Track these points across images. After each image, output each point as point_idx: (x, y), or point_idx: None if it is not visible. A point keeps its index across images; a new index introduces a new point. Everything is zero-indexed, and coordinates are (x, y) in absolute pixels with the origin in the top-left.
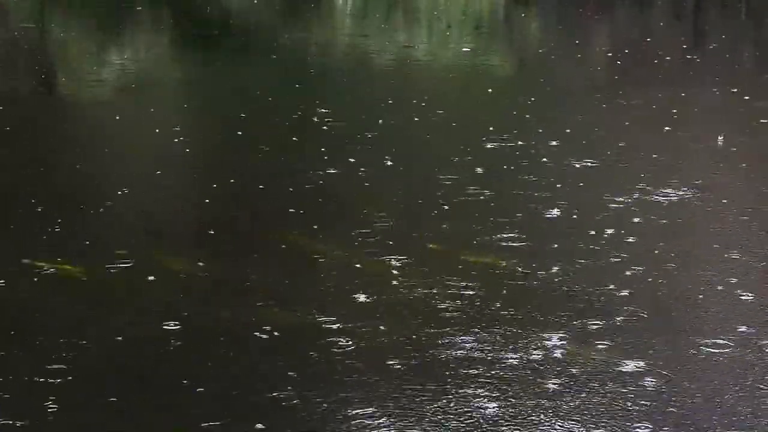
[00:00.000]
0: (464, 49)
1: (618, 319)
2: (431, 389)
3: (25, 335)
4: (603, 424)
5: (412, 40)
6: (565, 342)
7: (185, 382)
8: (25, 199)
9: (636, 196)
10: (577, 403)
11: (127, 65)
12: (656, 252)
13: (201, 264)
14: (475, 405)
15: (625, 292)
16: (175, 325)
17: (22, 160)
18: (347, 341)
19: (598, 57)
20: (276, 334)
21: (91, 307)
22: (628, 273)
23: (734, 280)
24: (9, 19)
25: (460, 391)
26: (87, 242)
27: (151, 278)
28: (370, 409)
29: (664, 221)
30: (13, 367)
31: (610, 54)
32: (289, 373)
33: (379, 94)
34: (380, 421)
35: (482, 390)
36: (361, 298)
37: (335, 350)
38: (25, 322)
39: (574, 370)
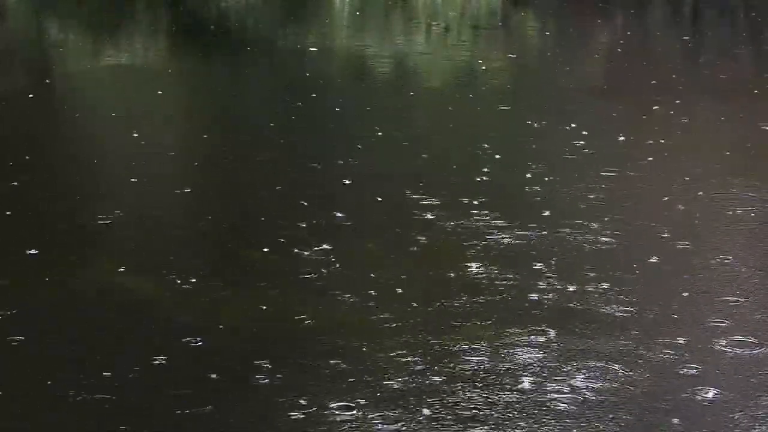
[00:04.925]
0: (461, 50)
1: None
2: None
3: None
4: None
5: (408, 41)
6: None
7: None
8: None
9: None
10: None
11: (123, 64)
12: None
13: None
14: None
15: None
16: None
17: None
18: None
19: (591, 60)
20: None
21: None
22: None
23: None
24: (8, 18)
25: None
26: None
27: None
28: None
29: None
30: None
31: (605, 57)
32: None
33: (370, 96)
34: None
35: None
36: None
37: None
38: None
39: None
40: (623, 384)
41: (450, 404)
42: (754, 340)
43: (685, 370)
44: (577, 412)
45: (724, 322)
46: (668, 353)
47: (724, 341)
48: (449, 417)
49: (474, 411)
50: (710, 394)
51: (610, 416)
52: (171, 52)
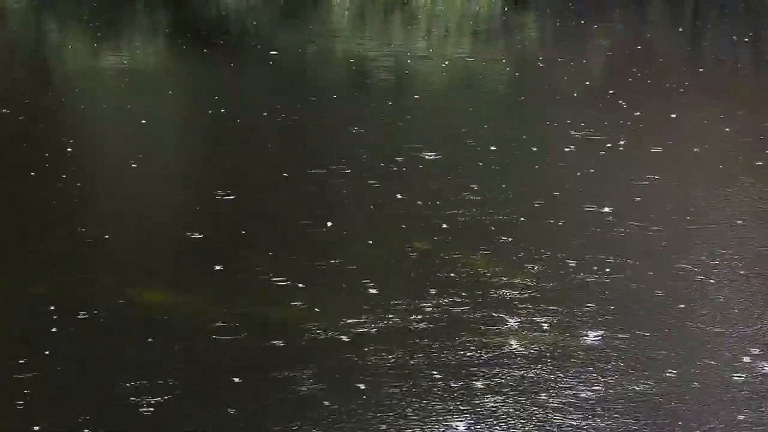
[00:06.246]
0: (461, 52)
1: None
2: None
3: None
4: None
5: (408, 42)
6: None
7: None
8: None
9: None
10: None
11: (122, 64)
12: None
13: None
14: None
15: None
16: None
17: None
18: None
19: (592, 62)
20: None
21: None
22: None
23: None
24: (8, 21)
25: None
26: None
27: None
28: None
29: None
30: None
31: (605, 58)
32: None
33: (370, 99)
34: None
35: None
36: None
37: None
38: None
39: None
40: None
41: None
42: None
43: None
44: None
45: None
46: None
47: None
48: None
49: None
50: None
51: None
52: (171, 52)
